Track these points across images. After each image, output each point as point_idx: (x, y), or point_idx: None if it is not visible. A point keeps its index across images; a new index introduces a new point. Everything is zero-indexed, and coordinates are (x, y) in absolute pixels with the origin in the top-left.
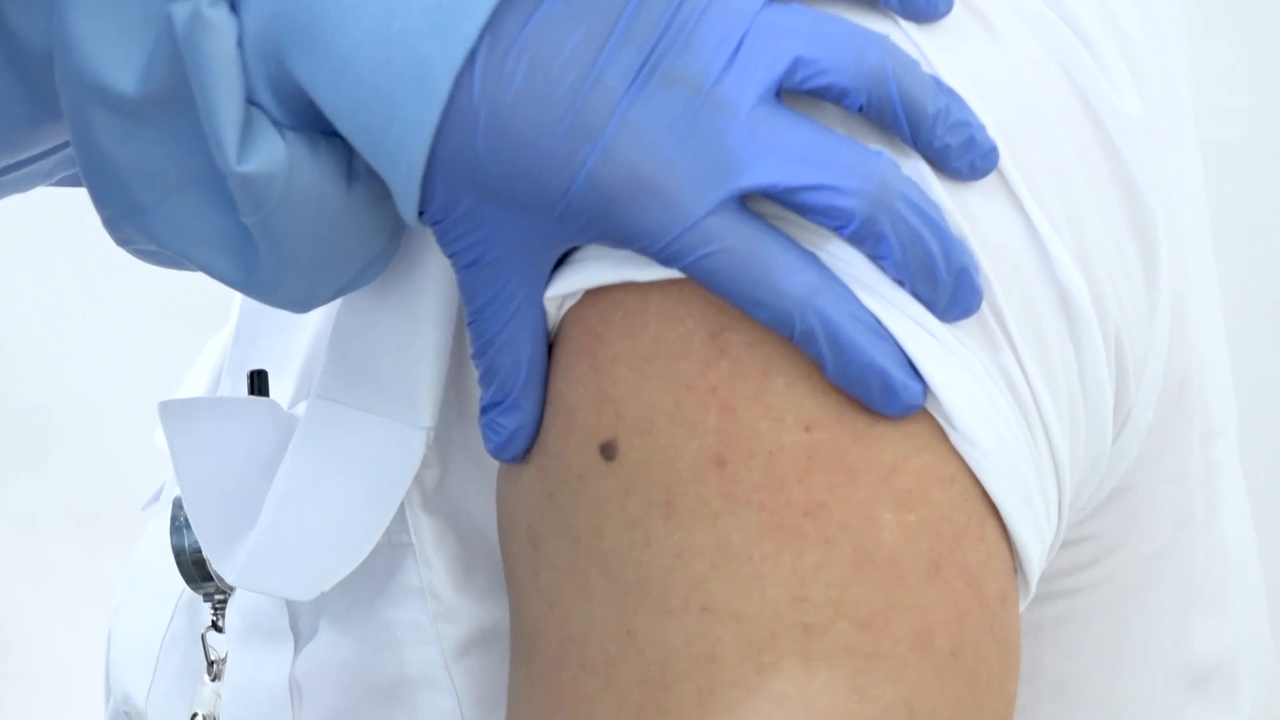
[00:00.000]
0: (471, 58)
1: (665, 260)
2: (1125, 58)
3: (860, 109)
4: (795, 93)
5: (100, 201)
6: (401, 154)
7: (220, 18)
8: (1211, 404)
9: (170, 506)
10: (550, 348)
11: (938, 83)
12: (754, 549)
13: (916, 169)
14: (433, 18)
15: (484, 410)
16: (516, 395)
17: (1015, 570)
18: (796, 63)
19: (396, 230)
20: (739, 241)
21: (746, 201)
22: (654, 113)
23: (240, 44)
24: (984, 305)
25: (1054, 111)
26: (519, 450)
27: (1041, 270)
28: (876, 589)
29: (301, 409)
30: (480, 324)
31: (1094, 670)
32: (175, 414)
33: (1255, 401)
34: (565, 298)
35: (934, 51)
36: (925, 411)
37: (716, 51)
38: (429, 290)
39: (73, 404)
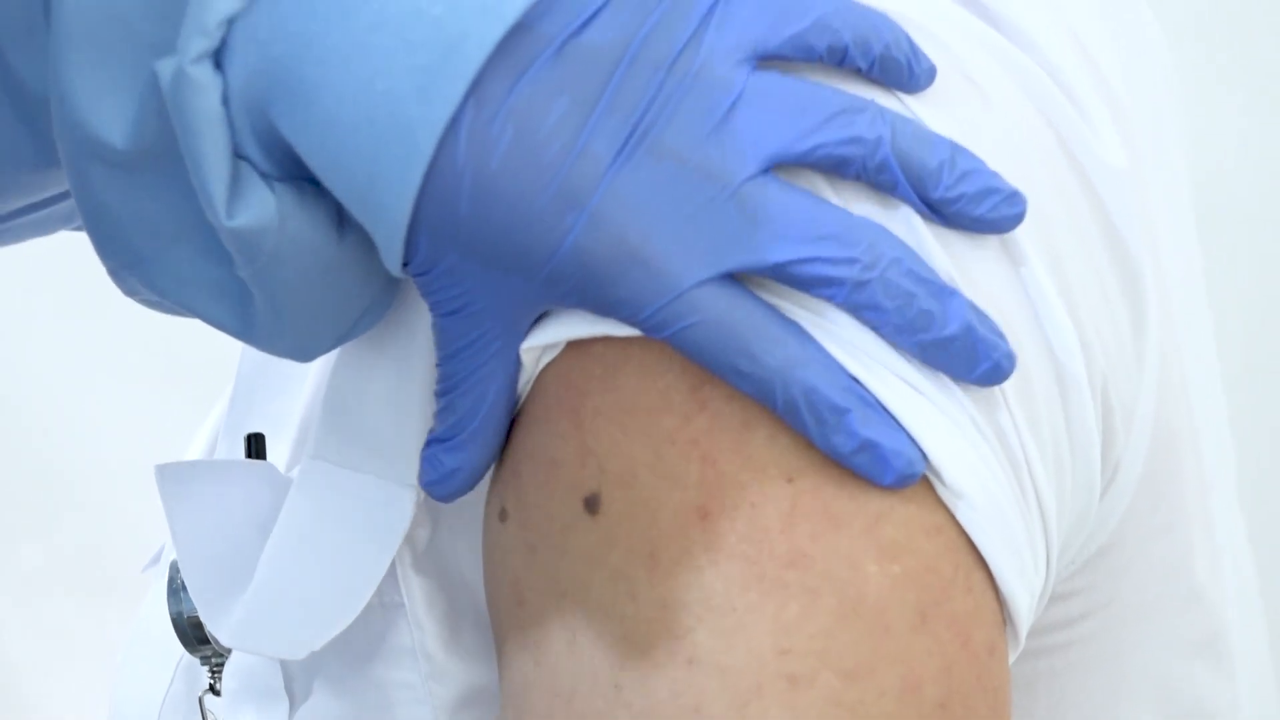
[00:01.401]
0: (456, 121)
1: (647, 330)
2: (1110, 110)
3: (857, 177)
4: (787, 166)
5: (103, 252)
6: (385, 213)
7: (204, 76)
8: (1207, 456)
9: (168, 570)
10: (522, 400)
11: (939, 137)
12: (737, 600)
13: (909, 224)
14: (417, 79)
15: (429, 444)
16: (466, 436)
17: (1004, 622)
18: (788, 134)
19: (391, 278)
20: (721, 314)
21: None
22: (641, 183)
23: (225, 100)
24: None
25: (1039, 165)
26: (453, 490)
27: (1030, 323)
28: (861, 639)
29: (296, 473)
30: (450, 367)
31: None
32: (172, 477)
33: (1253, 425)
34: (544, 350)
35: (921, 109)
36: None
37: (704, 122)
38: (418, 352)
39: (81, 466)
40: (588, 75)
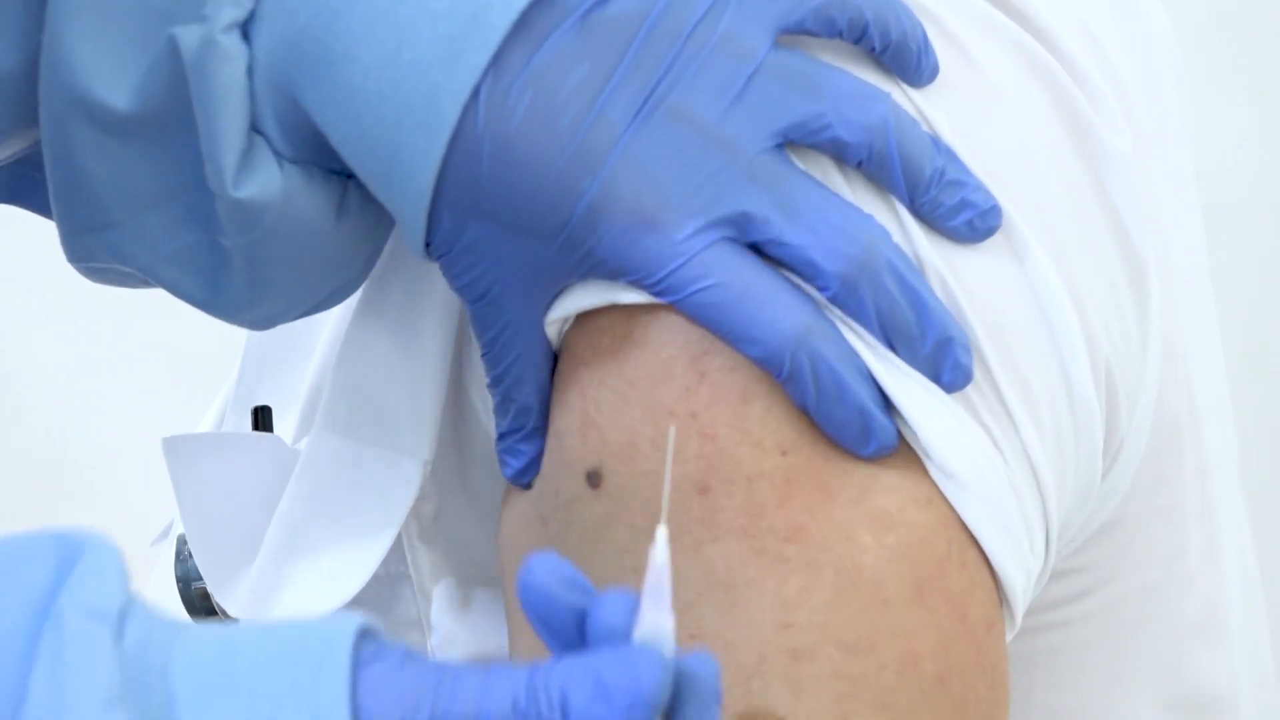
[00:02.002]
0: (477, 89)
1: (660, 293)
2: (1116, 93)
3: (859, 164)
4: (796, 145)
5: (66, 214)
6: (410, 183)
7: (233, 45)
8: (1208, 440)
9: (175, 541)
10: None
11: (936, 143)
12: (739, 575)
13: (903, 223)
14: (442, 48)
15: (502, 437)
16: (535, 423)
17: (1000, 601)
18: (804, 116)
19: (370, 261)
20: (734, 277)
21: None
22: (655, 147)
23: (250, 72)
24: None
25: (1044, 156)
26: (536, 471)
27: (1030, 312)
28: (861, 613)
29: (304, 445)
30: (493, 355)
31: (1087, 703)
32: (179, 450)
33: (1256, 417)
34: (563, 323)
35: (925, 102)
36: (901, 437)
37: (723, 91)
38: (428, 326)
39: (87, 454)
40: (607, 44)
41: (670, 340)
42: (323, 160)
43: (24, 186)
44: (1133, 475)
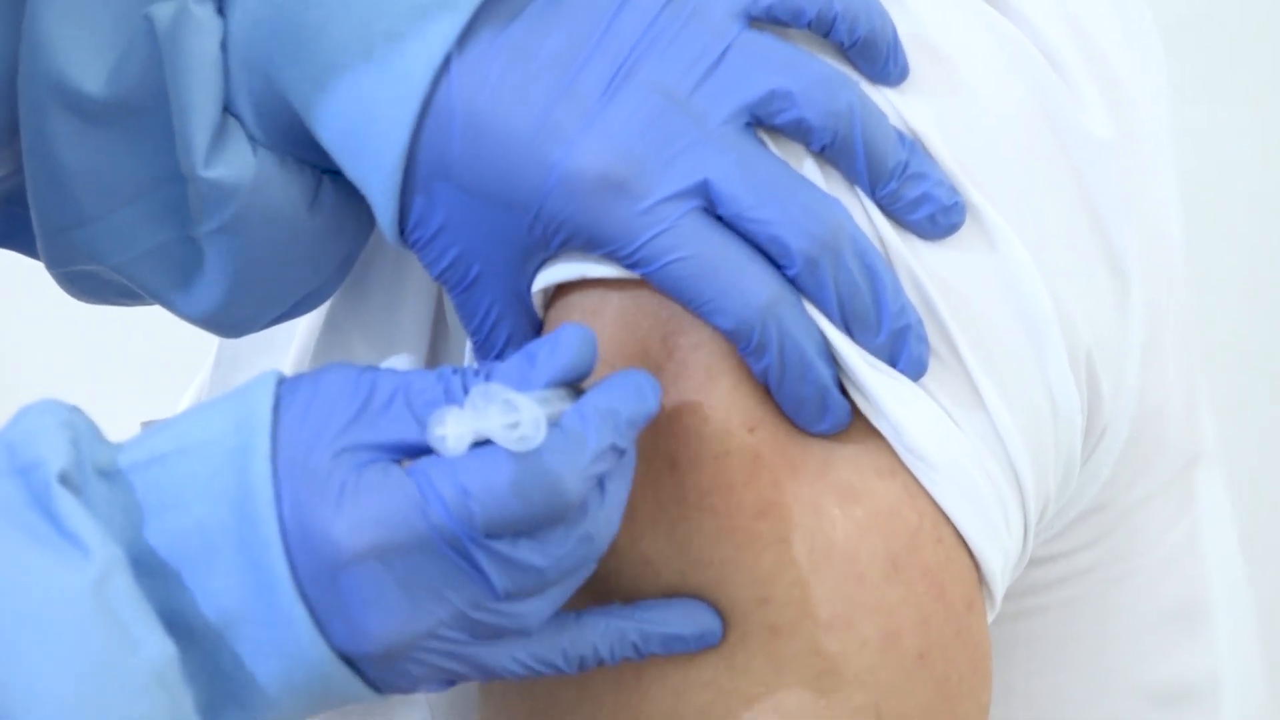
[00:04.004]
0: (449, 58)
1: (633, 265)
2: (1099, 80)
3: (823, 149)
4: (764, 126)
5: (44, 214)
6: (382, 154)
7: (206, 16)
8: (1191, 429)
9: None
10: None
11: (901, 137)
12: (714, 553)
13: (870, 216)
14: (415, 20)
15: None
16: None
17: (980, 582)
18: (772, 93)
19: (343, 266)
20: (705, 249)
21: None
22: (627, 117)
23: (224, 48)
24: (938, 337)
25: (1019, 138)
26: None
27: (1003, 295)
28: (837, 588)
29: None
30: (486, 341)
31: (1066, 689)
32: None
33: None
34: (542, 296)
35: (897, 92)
36: (860, 414)
37: (696, 62)
38: (404, 321)
39: None
40: (581, 17)
41: (643, 316)
42: (298, 149)
43: (15, 228)
44: (1114, 462)
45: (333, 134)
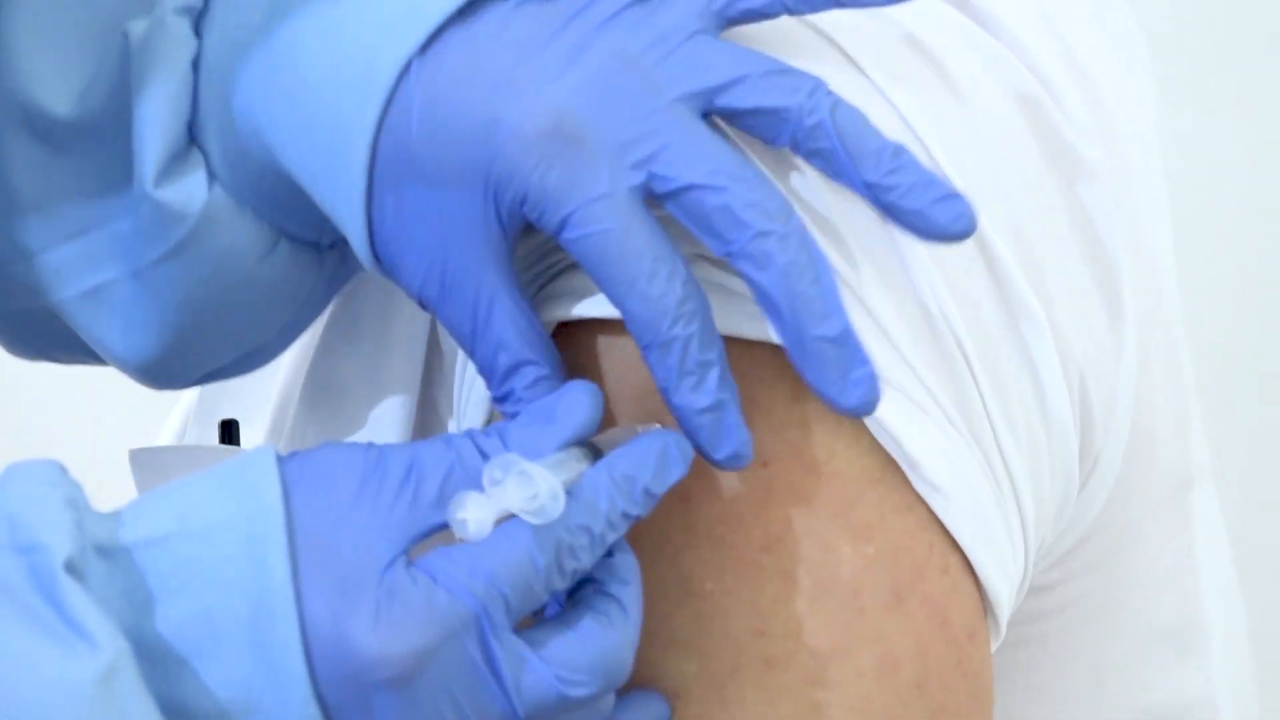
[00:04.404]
0: (410, 61)
1: (564, 226)
2: (1089, 101)
3: (794, 142)
4: (723, 115)
5: None
6: (349, 159)
7: (181, 30)
8: (1183, 450)
9: None
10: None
11: (881, 132)
12: (714, 584)
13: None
14: (384, 29)
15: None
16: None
17: (985, 610)
18: (732, 78)
19: (288, 331)
20: (635, 227)
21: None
22: (586, 77)
23: (196, 68)
24: (953, 347)
25: (1013, 164)
26: None
27: (1001, 315)
28: (836, 619)
29: None
30: (482, 345)
31: (1064, 713)
32: (146, 464)
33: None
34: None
35: (894, 91)
36: (880, 447)
37: (661, 40)
38: (397, 343)
39: (43, 449)
40: (547, 16)
41: None
42: (260, 199)
43: None
44: (1110, 488)
45: (301, 151)
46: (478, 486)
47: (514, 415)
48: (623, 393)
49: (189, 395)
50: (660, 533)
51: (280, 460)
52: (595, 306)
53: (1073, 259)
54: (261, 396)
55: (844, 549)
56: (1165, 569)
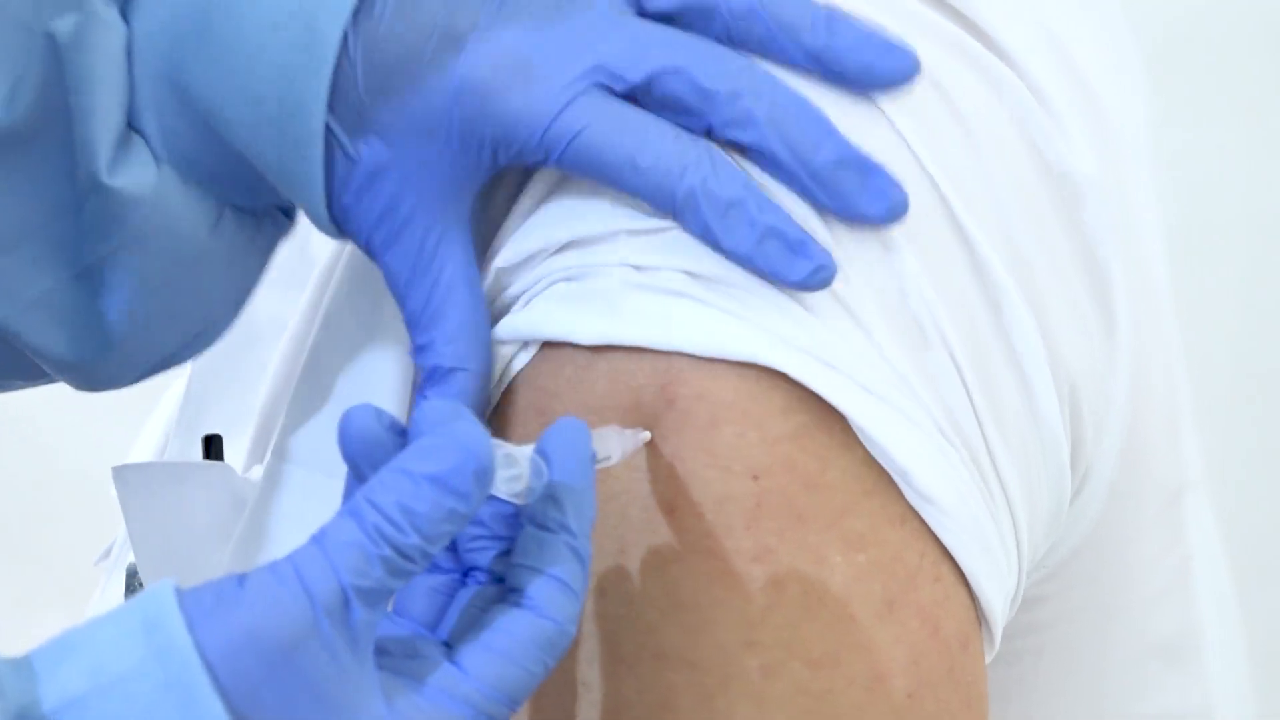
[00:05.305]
0: (356, 10)
1: (544, 155)
2: (1085, 114)
3: (725, 30)
4: (654, 18)
5: None
6: (304, 122)
7: (112, 18)
8: (1176, 460)
9: (125, 573)
10: (495, 401)
11: (810, 1)
12: (703, 596)
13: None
14: None
15: (421, 350)
16: (454, 327)
17: (979, 620)
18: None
19: (234, 303)
20: (610, 116)
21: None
22: (517, 12)
23: (129, 54)
24: (943, 356)
25: (1006, 177)
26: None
27: (993, 324)
28: (827, 629)
29: (256, 473)
30: (415, 296)
31: None
32: (129, 480)
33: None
34: (518, 350)
35: (889, 107)
36: (873, 459)
37: None
38: (386, 355)
39: (29, 473)
40: None
41: (638, 369)
42: (201, 171)
43: None
44: (1103, 499)
45: (251, 121)
46: None
47: (427, 372)
48: (611, 406)
49: (167, 407)
50: (649, 544)
51: (179, 593)
52: (582, 328)
53: (1066, 271)
54: (244, 411)
55: (835, 559)
56: (1160, 580)
